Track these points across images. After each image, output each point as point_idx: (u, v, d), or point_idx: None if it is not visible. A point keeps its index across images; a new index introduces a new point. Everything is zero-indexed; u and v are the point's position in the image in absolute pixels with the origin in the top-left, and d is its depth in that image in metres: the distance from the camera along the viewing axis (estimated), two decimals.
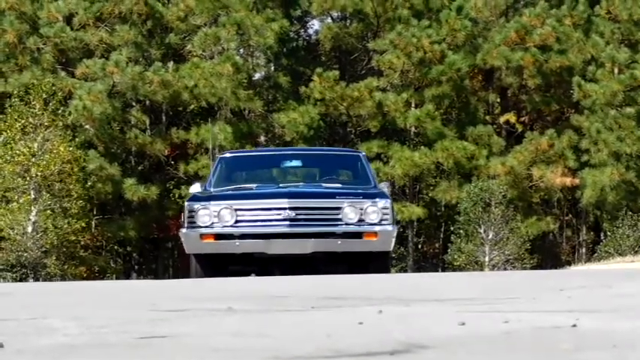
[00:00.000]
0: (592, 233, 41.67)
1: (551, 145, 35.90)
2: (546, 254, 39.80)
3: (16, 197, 30.00)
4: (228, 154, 14.23)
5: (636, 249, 33.17)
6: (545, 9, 35.90)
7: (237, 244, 11.02)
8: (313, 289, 6.88)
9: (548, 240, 42.04)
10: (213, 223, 11.09)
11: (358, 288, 7.28)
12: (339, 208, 11.16)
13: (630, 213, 34.88)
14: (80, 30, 35.17)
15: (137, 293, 7.06)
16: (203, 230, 11.09)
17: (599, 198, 35.47)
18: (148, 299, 5.83)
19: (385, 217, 11.13)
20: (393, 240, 11.43)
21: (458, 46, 35.90)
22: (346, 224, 11.14)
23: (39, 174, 29.60)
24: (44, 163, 29.55)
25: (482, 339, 3.03)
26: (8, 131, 30.13)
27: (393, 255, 30.01)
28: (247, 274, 11.60)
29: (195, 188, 12.52)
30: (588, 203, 36.61)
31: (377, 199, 11.29)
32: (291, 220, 11.08)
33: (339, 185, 12.54)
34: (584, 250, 40.87)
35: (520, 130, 38.24)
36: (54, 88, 31.52)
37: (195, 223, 11.10)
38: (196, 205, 11.24)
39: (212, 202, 11.28)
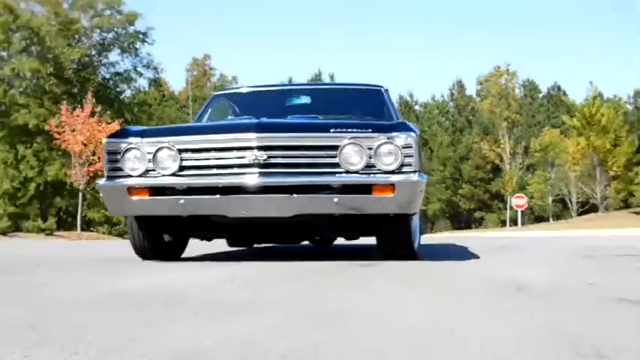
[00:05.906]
0: None
1: None
2: None
3: None
4: (222, 92, 9.83)
5: None
6: None
7: (182, 202, 6.45)
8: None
9: None
10: (147, 170, 6.61)
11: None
12: (335, 147, 6.35)
13: None
14: None
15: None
16: (132, 181, 6.58)
17: None
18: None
19: (408, 160, 6.31)
20: (420, 197, 6.44)
21: None
22: (347, 172, 6.30)
23: None
24: None
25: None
26: None
27: None
28: (209, 240, 7.79)
29: None
30: None
31: (395, 133, 6.36)
32: (261, 165, 6.36)
33: (341, 116, 8.11)
34: None
35: None
36: None
37: (120, 170, 6.66)
38: (123, 144, 6.67)
39: (146, 139, 6.66)
